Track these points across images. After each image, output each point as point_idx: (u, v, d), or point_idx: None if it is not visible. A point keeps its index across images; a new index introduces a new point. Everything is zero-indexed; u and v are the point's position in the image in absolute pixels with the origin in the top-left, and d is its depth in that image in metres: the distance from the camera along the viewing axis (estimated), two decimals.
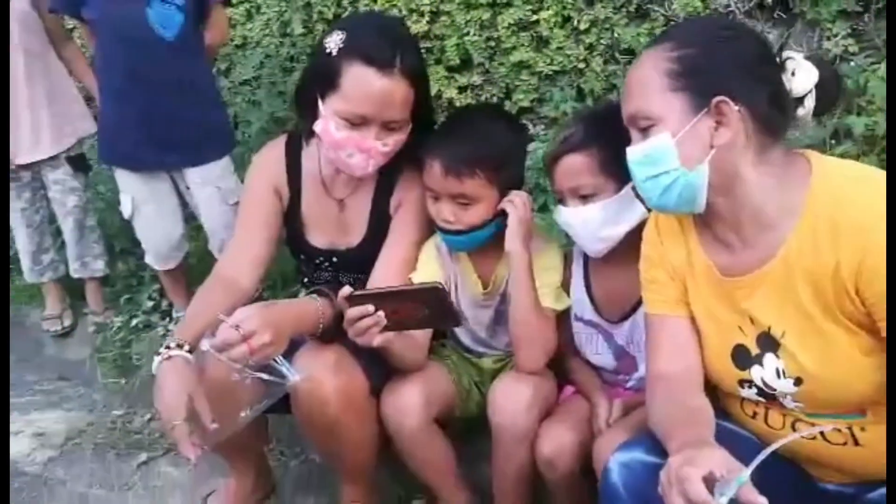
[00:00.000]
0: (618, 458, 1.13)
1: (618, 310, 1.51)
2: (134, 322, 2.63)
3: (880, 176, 1.07)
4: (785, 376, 1.11)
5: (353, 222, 1.66)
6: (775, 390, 1.13)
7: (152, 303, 2.68)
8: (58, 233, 2.75)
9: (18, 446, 2.36)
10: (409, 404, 1.47)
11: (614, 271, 1.48)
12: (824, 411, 1.13)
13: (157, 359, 1.35)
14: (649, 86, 1.09)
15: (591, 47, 2.40)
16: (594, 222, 1.41)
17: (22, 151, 2.49)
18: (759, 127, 1.07)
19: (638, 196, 1.21)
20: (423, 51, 2.66)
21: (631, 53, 2.35)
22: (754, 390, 1.16)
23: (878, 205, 1.00)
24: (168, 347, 1.35)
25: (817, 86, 1.11)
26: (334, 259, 1.69)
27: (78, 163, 2.60)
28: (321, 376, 1.43)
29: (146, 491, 2.05)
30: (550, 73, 2.48)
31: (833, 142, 2.04)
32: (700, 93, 1.05)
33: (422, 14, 2.66)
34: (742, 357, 1.16)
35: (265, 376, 1.31)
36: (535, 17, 2.49)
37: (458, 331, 1.67)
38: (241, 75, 3.25)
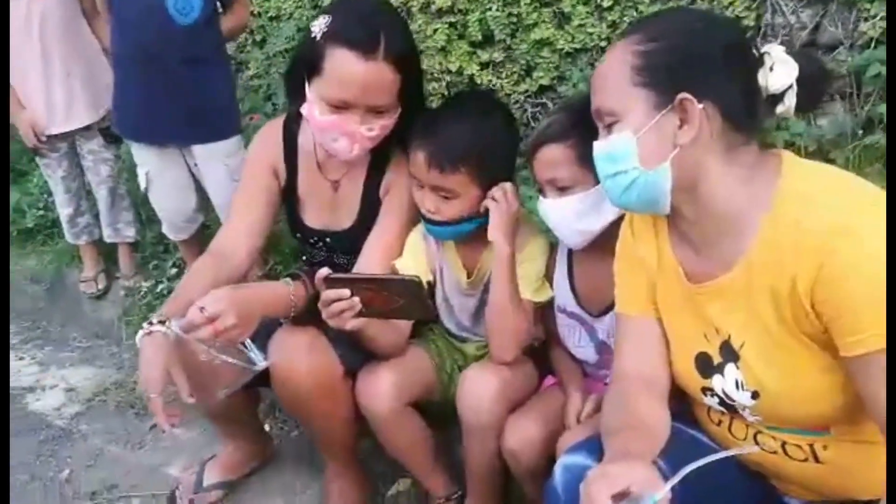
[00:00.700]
0: (563, 461, 1.12)
1: (599, 303, 1.48)
2: (159, 288, 2.74)
3: (855, 184, 1.00)
4: (743, 388, 1.07)
5: (345, 204, 1.67)
6: (735, 401, 1.09)
7: (176, 270, 2.77)
8: (92, 198, 2.86)
9: (51, 400, 2.51)
10: (381, 389, 1.49)
11: (597, 264, 1.44)
12: (783, 426, 1.08)
13: (139, 333, 1.41)
14: (613, 80, 1.04)
15: (613, 25, 2.30)
16: (571, 214, 1.37)
17: (57, 121, 2.60)
18: (728, 125, 1.01)
19: None
20: (447, 25, 2.66)
21: None
22: (716, 399, 1.12)
23: (846, 210, 0.94)
24: (150, 323, 1.40)
25: (800, 81, 1.04)
26: (328, 240, 1.71)
27: (110, 134, 2.68)
28: (295, 357, 1.46)
29: (155, 451, 2.15)
30: (571, 50, 2.40)
31: (862, 132, 1.92)
32: (664, 89, 1.00)
33: None
34: (705, 365, 1.12)
35: (230, 359, 1.34)
36: None
37: (444, 316, 1.67)
38: (275, 47, 3.28)
